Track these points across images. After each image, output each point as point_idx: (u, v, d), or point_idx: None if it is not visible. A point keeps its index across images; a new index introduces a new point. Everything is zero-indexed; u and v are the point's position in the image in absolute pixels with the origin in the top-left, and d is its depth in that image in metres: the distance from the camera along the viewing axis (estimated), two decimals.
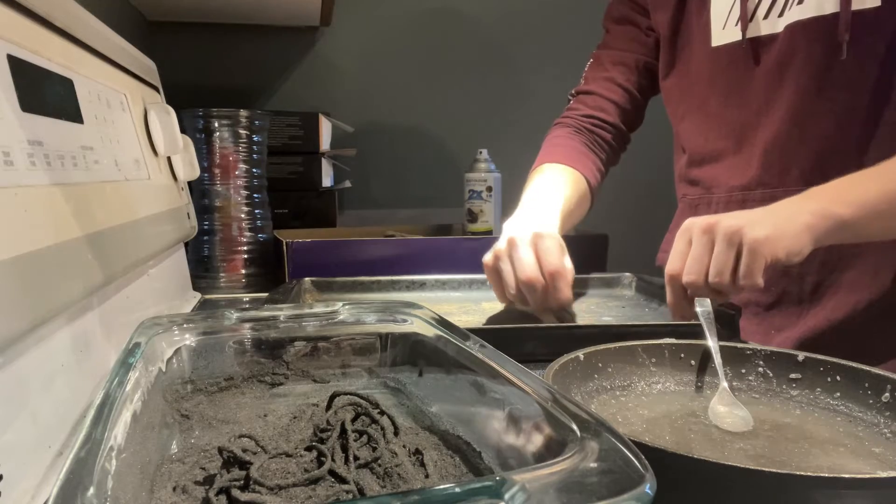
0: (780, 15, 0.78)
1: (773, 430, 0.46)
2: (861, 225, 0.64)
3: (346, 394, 0.41)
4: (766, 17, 0.79)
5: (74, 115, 0.50)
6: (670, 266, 0.64)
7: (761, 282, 0.59)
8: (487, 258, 0.73)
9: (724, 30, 0.83)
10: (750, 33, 0.80)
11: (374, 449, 0.35)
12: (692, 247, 0.62)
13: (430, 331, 0.46)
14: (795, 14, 0.76)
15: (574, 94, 1.02)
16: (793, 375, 0.52)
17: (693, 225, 0.63)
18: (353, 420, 0.38)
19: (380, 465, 0.34)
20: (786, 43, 0.77)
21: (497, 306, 0.79)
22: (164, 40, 1.42)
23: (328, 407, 0.41)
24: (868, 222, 0.64)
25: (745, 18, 0.80)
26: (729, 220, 0.61)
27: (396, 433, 0.38)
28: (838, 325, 0.78)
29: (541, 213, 0.80)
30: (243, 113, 1.01)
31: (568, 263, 0.70)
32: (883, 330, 0.77)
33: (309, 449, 0.35)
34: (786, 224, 0.61)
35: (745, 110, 0.82)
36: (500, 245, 0.72)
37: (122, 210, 0.56)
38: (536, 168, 0.94)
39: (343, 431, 0.36)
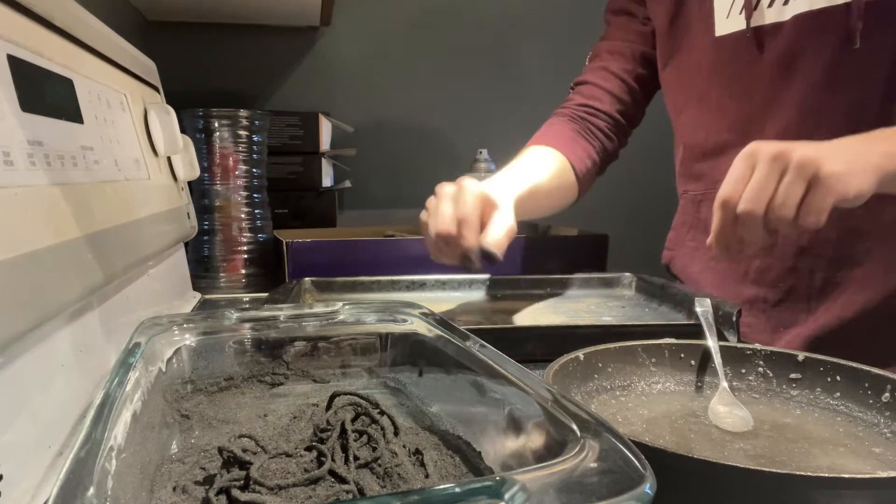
0: (785, 3, 0.75)
1: (773, 430, 0.46)
2: None
3: (346, 394, 0.41)
4: (770, 5, 0.76)
5: (74, 115, 0.50)
6: (725, 190, 0.58)
7: (824, 220, 0.55)
8: (422, 214, 0.72)
9: (727, 19, 0.80)
10: (754, 22, 0.77)
11: (374, 449, 0.35)
12: (756, 172, 0.57)
13: (430, 331, 0.46)
14: (803, 5, 0.74)
15: (572, 85, 1.01)
16: (793, 375, 0.52)
17: (759, 150, 0.57)
18: (353, 420, 0.38)
19: (380, 465, 0.34)
20: (793, 34, 0.75)
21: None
22: (164, 40, 1.42)
23: (328, 407, 0.41)
24: None
25: (750, 7, 0.77)
26: (805, 149, 0.56)
27: (396, 433, 0.38)
28: (848, 323, 0.76)
29: (496, 180, 0.77)
30: (243, 113, 1.01)
31: (499, 216, 0.67)
32: (893, 330, 0.75)
33: (309, 449, 0.35)
34: (857, 160, 0.56)
35: (749, 103, 0.80)
36: (430, 200, 0.71)
37: (122, 210, 0.56)
38: (522, 150, 0.92)
39: (343, 431, 0.36)
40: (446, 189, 0.69)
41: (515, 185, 0.78)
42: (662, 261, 0.98)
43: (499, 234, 0.65)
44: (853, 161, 0.56)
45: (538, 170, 0.85)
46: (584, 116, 0.96)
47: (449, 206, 0.67)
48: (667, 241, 0.98)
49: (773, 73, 0.78)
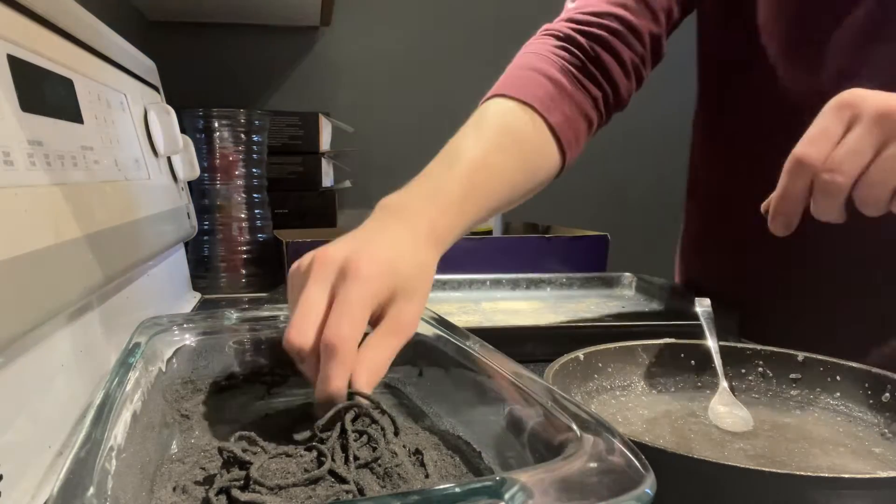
0: None
1: (773, 430, 0.46)
2: None
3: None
4: None
5: (74, 115, 0.50)
6: (809, 150, 0.45)
7: None
8: (291, 271, 0.43)
9: None
10: None
11: (374, 449, 0.35)
12: (853, 132, 0.44)
13: (430, 331, 0.46)
14: None
15: None
16: (793, 375, 0.52)
17: (864, 101, 0.44)
18: (354, 420, 0.38)
19: (380, 465, 0.34)
20: None
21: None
22: (164, 40, 1.42)
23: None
24: None
25: None
26: None
27: (396, 433, 0.38)
28: None
29: (430, 204, 0.49)
30: (243, 113, 1.01)
31: (393, 321, 0.40)
32: None
33: (309, 449, 0.35)
34: None
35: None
36: (304, 261, 0.42)
37: (122, 210, 0.56)
38: (483, 103, 0.63)
39: (343, 431, 0.36)
40: (331, 256, 0.40)
41: (457, 217, 0.50)
42: (676, 274, 0.86)
43: (382, 357, 0.39)
44: None
45: (499, 167, 0.56)
46: (594, 43, 0.64)
47: (319, 303, 0.38)
48: (680, 249, 0.84)
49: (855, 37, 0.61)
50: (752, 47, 0.67)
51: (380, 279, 0.39)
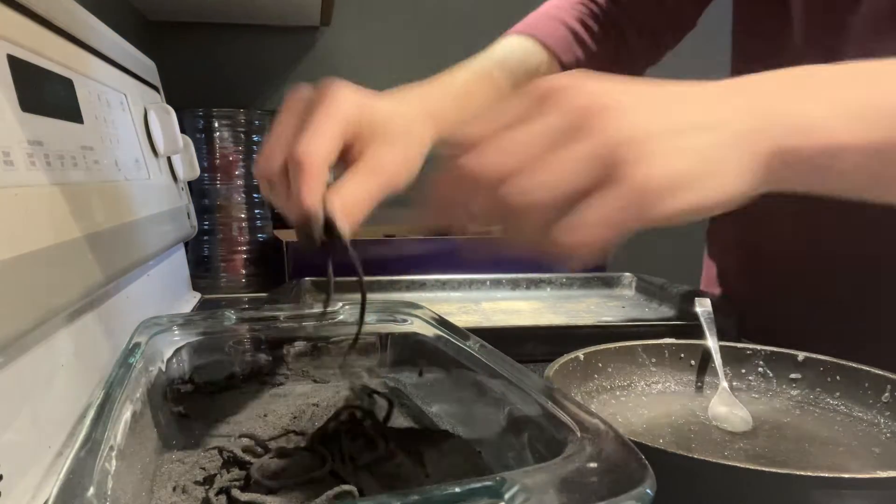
0: None
1: (773, 430, 0.46)
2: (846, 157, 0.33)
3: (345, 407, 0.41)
4: None
5: (74, 115, 0.50)
6: (476, 128, 0.33)
7: (598, 248, 0.31)
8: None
9: None
10: None
11: (374, 449, 0.35)
12: (534, 122, 0.31)
13: (430, 331, 0.46)
14: None
15: None
16: (793, 375, 0.52)
17: (562, 88, 0.31)
18: (353, 421, 0.38)
19: (380, 466, 0.34)
20: None
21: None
22: (164, 40, 1.42)
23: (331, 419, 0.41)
24: (855, 157, 0.33)
25: None
26: (638, 115, 0.30)
27: (388, 419, 0.38)
28: None
29: (408, 90, 0.50)
30: (243, 113, 1.01)
31: (373, 157, 0.39)
32: None
33: (309, 449, 0.35)
34: (707, 145, 0.31)
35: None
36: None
37: (122, 210, 0.56)
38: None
39: (343, 431, 0.36)
40: (302, 93, 0.40)
41: (439, 93, 0.52)
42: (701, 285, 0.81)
43: (358, 192, 0.37)
44: (701, 148, 0.31)
45: (488, 71, 0.58)
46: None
47: (289, 127, 0.38)
48: (706, 259, 0.80)
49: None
50: (784, 35, 0.64)
51: (352, 106, 0.38)
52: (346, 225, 0.36)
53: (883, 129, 0.33)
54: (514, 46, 0.64)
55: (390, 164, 0.39)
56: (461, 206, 0.33)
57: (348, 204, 0.36)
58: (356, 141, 0.39)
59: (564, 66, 0.62)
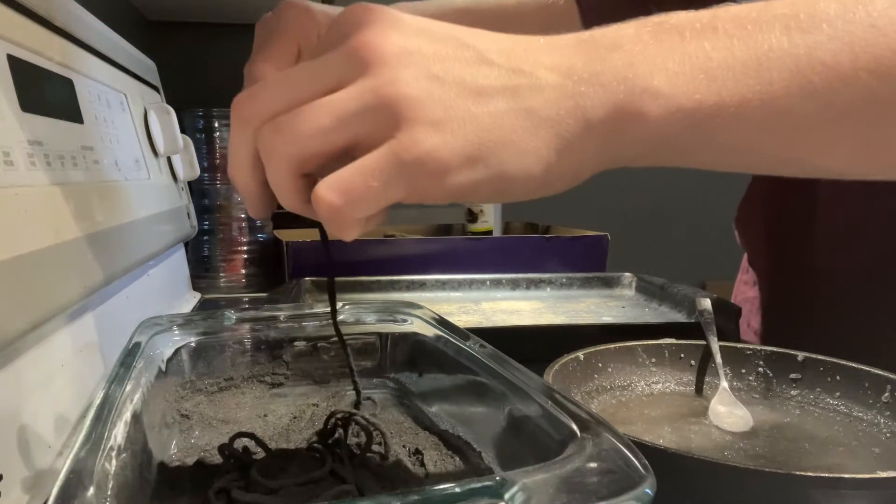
0: None
1: (773, 430, 0.46)
2: (715, 126, 0.28)
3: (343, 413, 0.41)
4: None
5: (74, 115, 0.50)
6: (261, 66, 0.35)
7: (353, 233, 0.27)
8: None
9: None
10: None
11: (374, 449, 0.35)
12: (310, 63, 0.28)
13: (430, 331, 0.46)
14: None
15: None
16: (793, 375, 0.52)
17: (356, 20, 0.27)
18: (353, 421, 0.38)
19: (380, 466, 0.34)
20: None
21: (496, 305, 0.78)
22: (164, 40, 1.42)
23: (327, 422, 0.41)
24: (729, 121, 0.28)
25: None
26: (409, 70, 0.26)
27: (387, 451, 0.38)
28: None
29: None
30: None
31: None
32: None
33: (309, 449, 0.35)
34: (509, 110, 0.27)
35: None
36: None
37: (122, 210, 0.56)
38: None
39: (343, 431, 0.36)
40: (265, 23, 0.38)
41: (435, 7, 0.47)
42: (734, 296, 0.76)
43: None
44: (529, 114, 0.27)
45: (503, 13, 0.53)
46: None
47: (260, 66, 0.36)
48: (745, 265, 0.74)
49: None
50: None
51: (309, 20, 0.38)
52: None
53: (747, 86, 0.27)
54: None
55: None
56: (234, 146, 0.29)
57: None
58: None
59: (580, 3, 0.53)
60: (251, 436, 0.37)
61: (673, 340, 0.55)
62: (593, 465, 0.25)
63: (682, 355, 0.55)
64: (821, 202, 0.64)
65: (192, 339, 0.45)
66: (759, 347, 0.54)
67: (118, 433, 0.28)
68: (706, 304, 0.61)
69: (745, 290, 0.75)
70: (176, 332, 0.44)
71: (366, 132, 0.26)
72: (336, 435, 0.37)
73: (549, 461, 0.25)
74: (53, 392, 0.40)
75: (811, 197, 0.64)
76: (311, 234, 1.11)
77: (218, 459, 0.35)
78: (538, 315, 0.78)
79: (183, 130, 0.83)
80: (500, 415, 0.36)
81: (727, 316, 0.66)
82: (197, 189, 1.00)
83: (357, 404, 0.43)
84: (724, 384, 0.51)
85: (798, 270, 0.68)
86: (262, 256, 1.04)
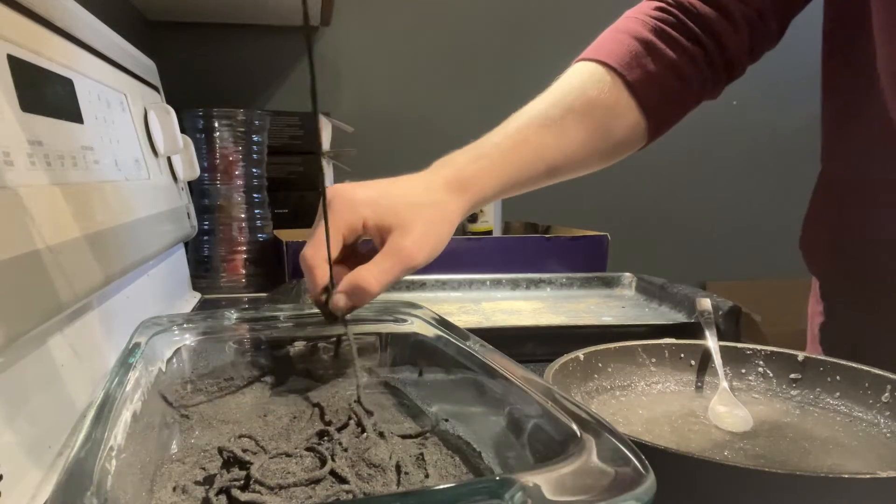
0: None
1: (773, 430, 0.46)
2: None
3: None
4: None
5: (74, 115, 0.50)
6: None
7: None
8: None
9: None
10: None
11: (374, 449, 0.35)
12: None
13: (430, 331, 0.46)
14: None
15: None
16: (793, 375, 0.52)
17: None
18: (352, 420, 0.38)
19: (380, 466, 0.34)
20: None
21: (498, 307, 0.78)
22: (164, 40, 1.42)
23: (323, 415, 0.41)
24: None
25: None
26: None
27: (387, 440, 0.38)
28: None
29: (463, 155, 0.54)
30: (243, 113, 1.01)
31: (386, 255, 0.47)
32: None
33: (309, 449, 0.35)
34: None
35: None
36: None
37: (122, 210, 0.56)
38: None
39: (343, 431, 0.36)
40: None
41: (477, 154, 0.54)
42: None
43: (368, 276, 0.45)
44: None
45: (556, 123, 0.55)
46: (668, 17, 0.59)
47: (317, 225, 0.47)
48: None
49: None
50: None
51: (351, 213, 0.47)
52: (342, 300, 0.45)
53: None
54: (573, 74, 0.59)
55: (405, 249, 0.46)
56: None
57: (354, 282, 0.45)
58: (379, 231, 0.47)
59: (630, 85, 0.57)
60: (251, 436, 0.37)
61: (673, 340, 0.55)
62: (593, 465, 0.25)
63: (682, 355, 0.55)
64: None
65: (192, 339, 0.45)
66: (759, 347, 0.54)
67: (118, 433, 0.28)
68: (706, 304, 0.61)
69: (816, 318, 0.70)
70: (176, 332, 0.44)
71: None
72: (335, 425, 0.37)
73: (549, 461, 0.25)
74: (53, 392, 0.40)
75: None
76: None
77: (218, 459, 0.35)
78: (538, 315, 0.78)
79: (183, 130, 0.83)
80: (500, 415, 0.36)
81: (727, 316, 0.66)
82: (197, 189, 1.00)
83: (358, 399, 0.43)
84: (724, 384, 0.51)
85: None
86: (262, 256, 1.04)
